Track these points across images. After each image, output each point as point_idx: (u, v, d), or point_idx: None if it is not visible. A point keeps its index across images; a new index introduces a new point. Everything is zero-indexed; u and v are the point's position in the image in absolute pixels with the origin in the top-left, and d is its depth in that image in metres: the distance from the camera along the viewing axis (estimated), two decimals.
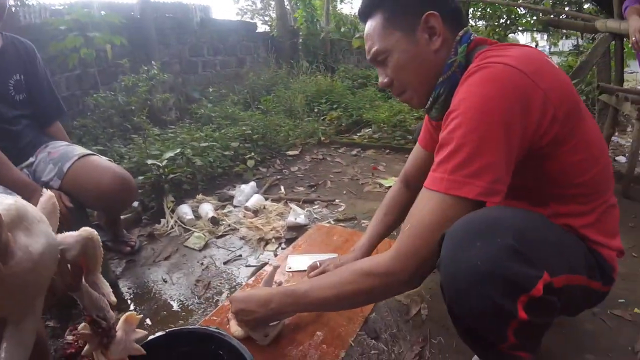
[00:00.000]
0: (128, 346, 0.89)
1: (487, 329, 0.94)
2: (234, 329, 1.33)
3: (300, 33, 7.35)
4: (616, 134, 3.72)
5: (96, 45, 3.45)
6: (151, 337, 1.06)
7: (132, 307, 1.63)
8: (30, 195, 1.50)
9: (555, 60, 7.08)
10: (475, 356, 1.24)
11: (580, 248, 1.04)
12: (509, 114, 0.91)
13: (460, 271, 0.87)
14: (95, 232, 0.65)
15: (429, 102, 1.15)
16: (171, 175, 2.54)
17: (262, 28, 7.73)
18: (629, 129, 4.40)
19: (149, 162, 2.39)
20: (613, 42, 3.24)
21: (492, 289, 0.84)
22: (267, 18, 9.18)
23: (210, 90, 4.96)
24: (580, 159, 1.01)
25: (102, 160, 1.74)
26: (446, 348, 1.39)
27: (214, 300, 1.65)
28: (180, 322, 1.53)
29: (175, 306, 1.63)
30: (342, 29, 7.79)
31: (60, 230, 1.01)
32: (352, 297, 1.09)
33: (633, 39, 2.49)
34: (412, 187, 1.56)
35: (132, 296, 1.73)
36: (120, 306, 1.60)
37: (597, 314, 1.53)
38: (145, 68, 3.46)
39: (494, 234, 0.86)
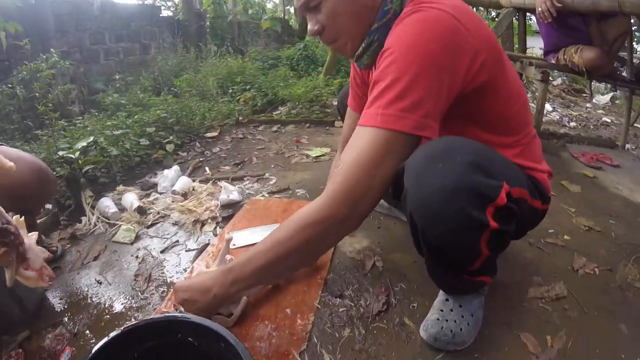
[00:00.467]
0: (38, 250, 0.79)
1: (462, 247, 1.00)
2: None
3: (207, 16, 7.11)
4: None
5: None
6: (104, 339, 0.94)
7: (67, 319, 1.42)
8: None
9: None
10: (440, 293, 1.29)
11: (520, 169, 1.14)
12: (442, 55, 0.94)
13: (429, 194, 0.92)
14: None
15: (360, 49, 1.14)
16: (86, 168, 2.32)
17: (166, 12, 7.38)
18: (528, 95, 4.82)
19: (60, 153, 2.14)
20: (516, 18, 3.49)
21: (463, 202, 0.89)
22: (169, 3, 8.74)
23: (117, 77, 4.63)
24: (505, 96, 1.10)
25: (12, 150, 1.49)
26: (409, 293, 1.43)
27: (160, 292, 1.52)
28: (128, 322, 1.33)
29: (118, 307, 1.45)
30: (250, 11, 7.65)
31: None
32: (295, 253, 1.04)
33: (539, 9, 2.70)
34: None
35: (65, 306, 1.49)
36: (55, 320, 1.41)
37: (533, 244, 1.69)
38: (44, 56, 3.14)
39: (453, 155, 0.92)
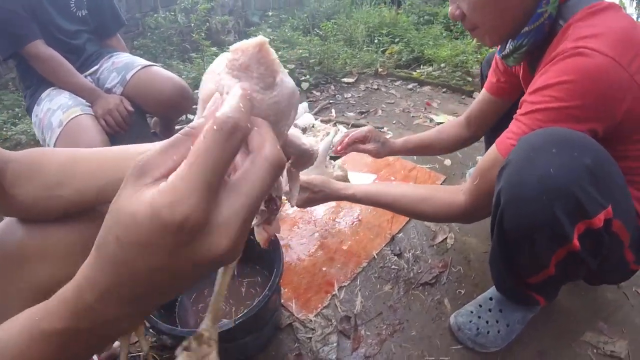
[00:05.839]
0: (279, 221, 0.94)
1: (531, 250, 0.93)
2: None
3: None
4: None
5: None
6: None
7: None
8: (95, 100, 1.67)
9: None
10: (490, 290, 1.28)
11: (634, 211, 1.01)
12: (597, 113, 0.90)
13: (530, 176, 0.85)
14: None
15: (508, 50, 1.11)
16: None
17: None
18: None
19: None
20: None
21: (559, 202, 0.82)
22: None
23: (270, 14, 4.90)
24: None
25: (163, 71, 1.87)
26: (464, 278, 1.46)
27: None
28: None
29: None
30: None
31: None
32: (408, 214, 1.38)
33: None
34: (472, 128, 1.57)
35: None
36: None
37: (622, 288, 1.47)
38: None
39: (573, 147, 0.84)
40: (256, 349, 1.20)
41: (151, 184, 0.30)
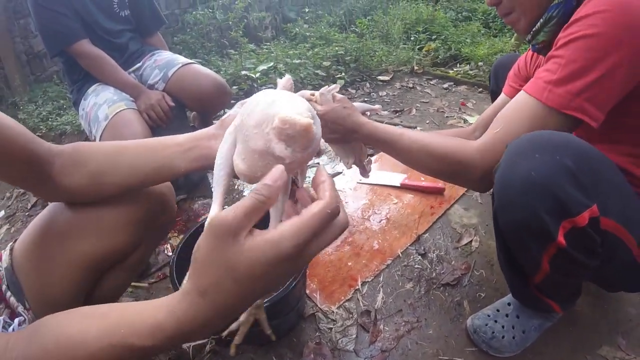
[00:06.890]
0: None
1: (524, 248, 0.96)
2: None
3: None
4: None
5: None
6: None
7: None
8: (138, 95, 1.78)
9: None
10: (509, 295, 1.28)
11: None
12: (631, 39, 0.87)
13: (514, 179, 0.88)
14: None
15: (538, 25, 1.07)
16: (263, 87, 2.73)
17: None
18: None
19: (243, 72, 2.58)
20: None
21: (540, 202, 0.84)
22: None
23: (307, 10, 4.98)
24: None
25: (203, 68, 1.98)
26: (485, 282, 1.47)
27: None
28: None
29: None
30: None
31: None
32: (426, 167, 1.15)
33: None
34: (478, 135, 1.39)
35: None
36: (207, 193, 1.94)
37: None
38: None
39: (556, 151, 0.85)
40: (279, 334, 1.26)
41: (248, 235, 0.43)
